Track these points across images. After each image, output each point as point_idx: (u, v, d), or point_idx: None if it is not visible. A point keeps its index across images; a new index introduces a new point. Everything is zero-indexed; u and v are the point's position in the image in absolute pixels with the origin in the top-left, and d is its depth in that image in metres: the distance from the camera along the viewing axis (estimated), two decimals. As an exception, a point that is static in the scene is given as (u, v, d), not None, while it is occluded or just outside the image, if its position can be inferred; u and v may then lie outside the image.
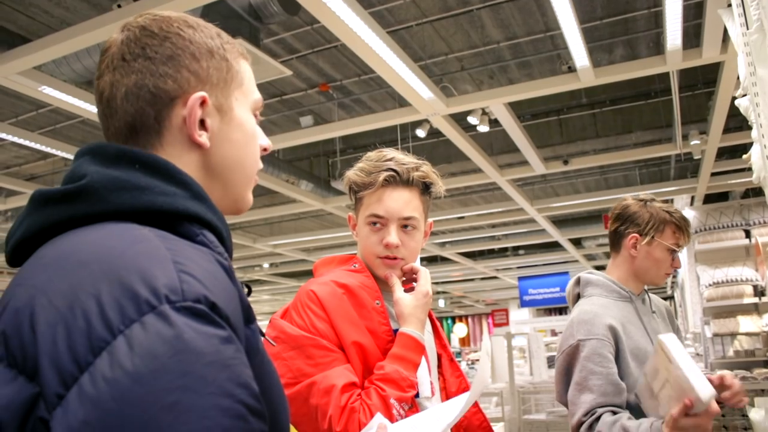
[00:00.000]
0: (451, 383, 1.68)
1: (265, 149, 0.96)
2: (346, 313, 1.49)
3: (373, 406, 1.37)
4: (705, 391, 1.58)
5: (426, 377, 1.53)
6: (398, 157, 1.60)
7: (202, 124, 0.85)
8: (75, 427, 0.57)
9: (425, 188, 1.64)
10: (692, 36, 4.99)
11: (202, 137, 0.85)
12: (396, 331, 1.53)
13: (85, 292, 0.63)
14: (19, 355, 0.63)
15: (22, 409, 0.60)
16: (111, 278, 0.64)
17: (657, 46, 5.83)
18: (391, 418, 1.37)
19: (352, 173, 1.61)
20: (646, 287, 2.23)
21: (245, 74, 0.93)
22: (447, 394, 1.66)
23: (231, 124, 0.88)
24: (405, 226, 1.59)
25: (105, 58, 0.86)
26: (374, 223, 1.58)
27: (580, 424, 1.86)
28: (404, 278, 1.63)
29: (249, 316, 0.75)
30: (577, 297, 2.21)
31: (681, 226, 2.14)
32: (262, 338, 0.79)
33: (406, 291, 1.58)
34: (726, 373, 1.83)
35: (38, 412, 0.60)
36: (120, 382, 0.57)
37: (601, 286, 2.15)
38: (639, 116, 7.45)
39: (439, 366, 1.69)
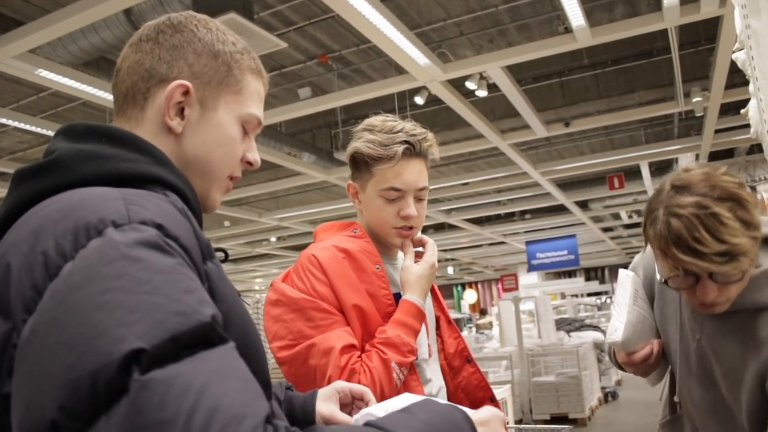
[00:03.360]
0: (449, 344, 1.71)
1: (249, 163, 1.00)
2: (347, 276, 1.51)
3: (374, 368, 1.40)
4: (609, 337, 1.59)
5: (424, 339, 1.56)
6: (407, 127, 1.59)
7: (182, 112, 0.91)
8: (25, 336, 0.64)
9: (428, 156, 1.65)
10: (691, -9, 4.93)
11: (174, 121, 0.90)
12: (396, 295, 1.56)
13: (45, 233, 0.70)
14: None
15: (1, 341, 0.67)
16: (67, 219, 0.70)
17: (658, 3, 5.77)
18: (391, 382, 1.40)
19: (363, 145, 1.58)
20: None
21: (247, 87, 0.97)
22: (445, 356, 1.70)
23: (210, 122, 0.93)
24: (418, 197, 1.61)
25: (133, 36, 0.96)
26: (391, 196, 1.58)
27: None
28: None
29: (208, 253, 0.80)
30: None
31: (667, 252, 1.33)
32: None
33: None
34: None
35: (12, 340, 0.66)
36: (61, 291, 0.64)
37: None
38: (641, 75, 7.38)
39: (438, 328, 1.72)
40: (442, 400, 1.05)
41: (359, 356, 1.43)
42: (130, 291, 0.63)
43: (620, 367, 1.71)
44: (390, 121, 1.60)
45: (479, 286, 27.59)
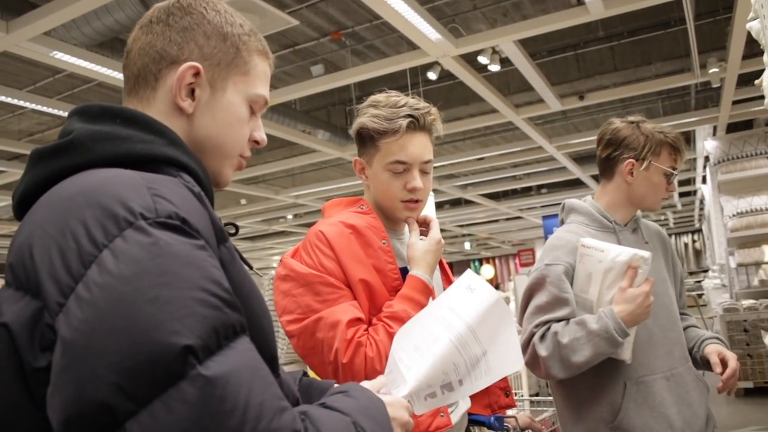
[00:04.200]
0: None
1: (257, 142, 1.04)
2: (354, 252, 1.55)
3: (380, 341, 1.43)
4: (644, 252, 1.76)
5: None
6: (410, 102, 1.63)
7: (192, 93, 0.95)
8: (76, 325, 0.68)
9: (433, 131, 1.69)
10: (706, -41, 4.84)
11: (185, 102, 0.94)
12: (403, 269, 1.59)
13: (73, 219, 0.73)
14: (23, 278, 0.75)
15: (30, 320, 0.72)
16: (93, 205, 0.74)
17: (673, -28, 5.67)
18: None
19: (369, 120, 1.62)
20: (640, 215, 2.14)
21: (254, 68, 1.01)
22: None
23: (219, 102, 0.97)
24: (423, 170, 1.64)
25: (142, 18, 0.99)
26: (397, 169, 1.62)
27: (531, 335, 1.85)
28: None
29: (222, 237, 0.85)
30: (562, 223, 2.13)
31: (677, 147, 2.01)
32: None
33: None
34: (728, 355, 1.93)
35: (44, 320, 0.71)
36: (109, 284, 0.69)
37: (584, 214, 2.05)
38: (658, 47, 7.28)
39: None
40: None
41: (366, 329, 1.47)
42: (176, 287, 0.70)
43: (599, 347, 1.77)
44: (394, 97, 1.65)
45: (497, 261, 27.59)
